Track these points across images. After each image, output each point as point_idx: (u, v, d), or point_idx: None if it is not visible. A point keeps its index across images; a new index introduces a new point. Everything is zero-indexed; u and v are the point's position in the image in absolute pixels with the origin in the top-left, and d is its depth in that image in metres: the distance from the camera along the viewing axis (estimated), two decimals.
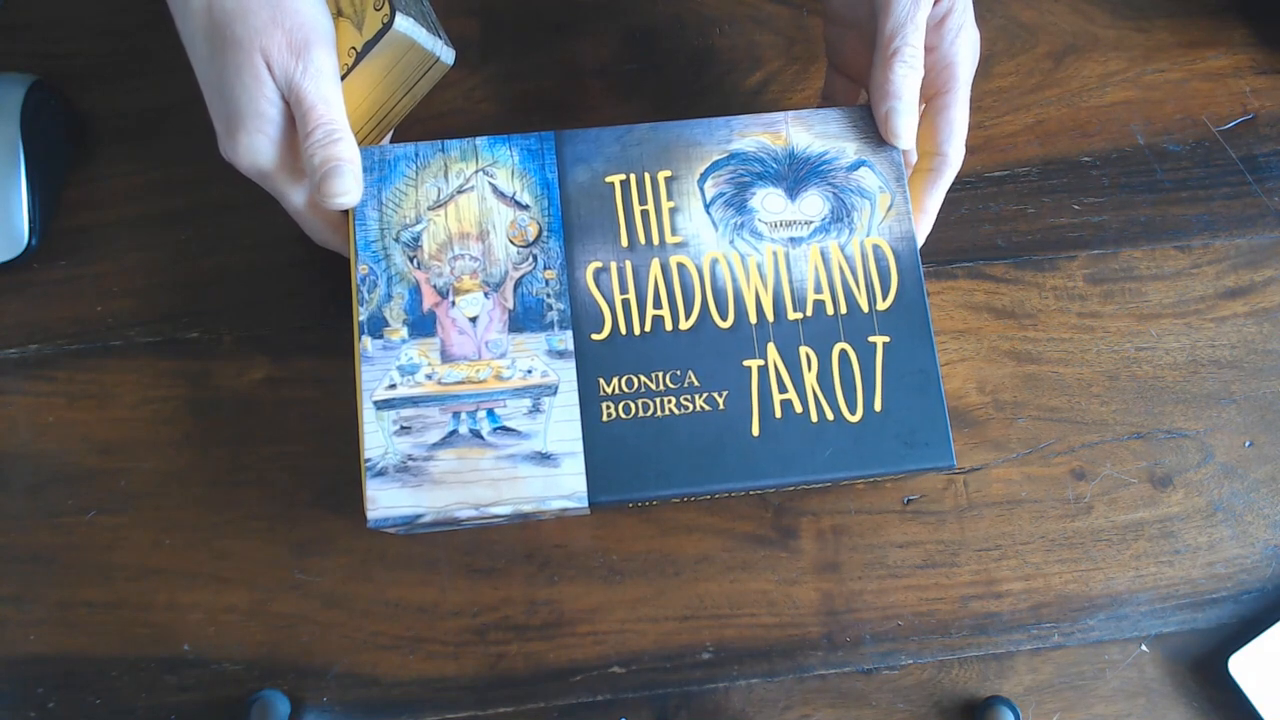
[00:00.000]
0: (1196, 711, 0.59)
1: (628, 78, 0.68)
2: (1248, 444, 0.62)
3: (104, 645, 0.58)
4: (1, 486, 0.59)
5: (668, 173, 0.54)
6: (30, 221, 0.61)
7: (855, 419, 0.51)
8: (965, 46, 0.53)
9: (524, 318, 0.52)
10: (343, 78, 0.53)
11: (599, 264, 0.52)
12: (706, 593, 0.59)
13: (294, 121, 0.51)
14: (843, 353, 0.51)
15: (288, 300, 0.63)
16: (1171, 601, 0.60)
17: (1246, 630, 0.59)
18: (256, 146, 0.51)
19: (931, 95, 0.54)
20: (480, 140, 0.54)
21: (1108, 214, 0.66)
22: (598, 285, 0.52)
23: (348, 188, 0.51)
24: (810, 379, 0.51)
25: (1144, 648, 0.59)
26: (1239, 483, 0.61)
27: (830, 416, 0.51)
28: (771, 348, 0.51)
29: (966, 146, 0.55)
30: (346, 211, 0.54)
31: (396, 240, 0.52)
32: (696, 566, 0.59)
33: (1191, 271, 0.65)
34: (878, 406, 0.51)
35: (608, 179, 0.54)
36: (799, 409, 0.51)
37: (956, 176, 0.56)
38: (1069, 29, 0.69)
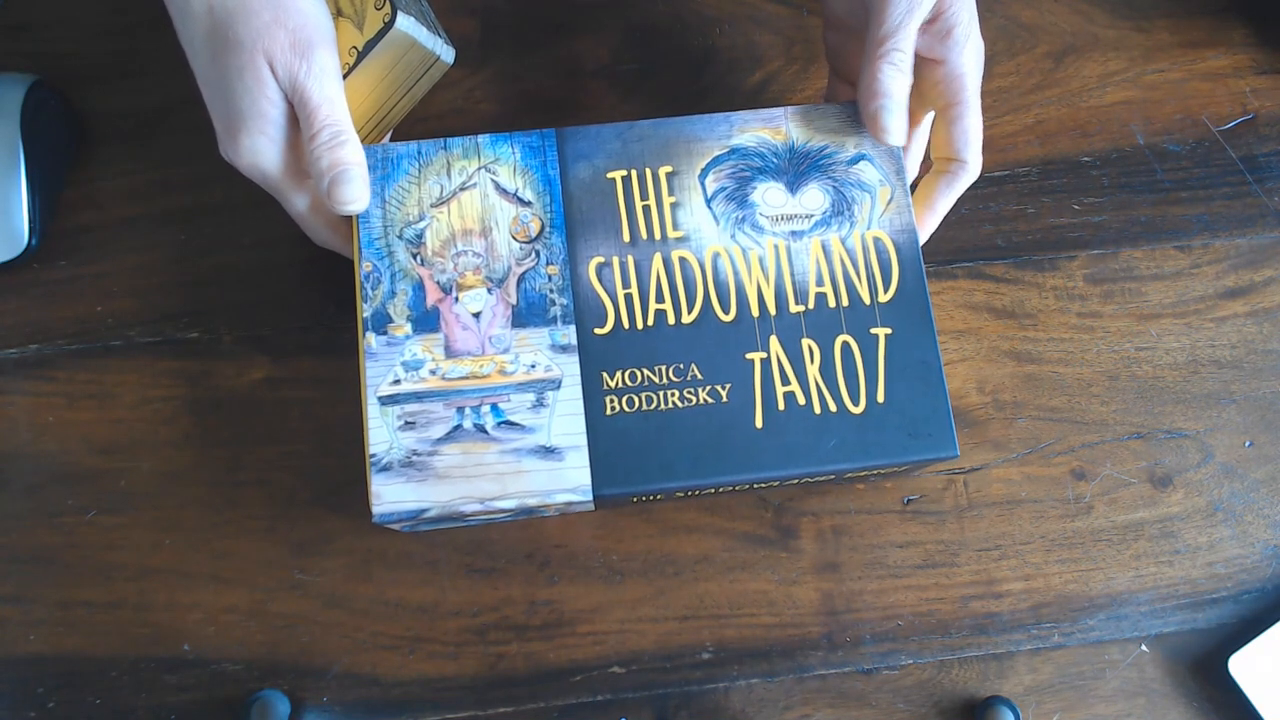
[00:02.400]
0: (1196, 711, 0.59)
1: (628, 78, 0.68)
2: (1248, 444, 0.62)
3: (104, 645, 0.58)
4: (1, 486, 0.59)
5: (668, 168, 0.54)
6: (30, 221, 0.61)
7: (858, 410, 0.51)
8: (972, 57, 0.54)
9: (527, 313, 0.52)
10: (344, 78, 0.53)
11: (601, 259, 0.53)
12: (706, 593, 0.59)
13: (296, 122, 0.51)
14: (845, 345, 0.52)
15: (288, 300, 0.63)
16: (1171, 601, 0.60)
17: (1246, 630, 0.59)
18: (258, 148, 0.51)
19: (943, 106, 0.55)
20: (482, 138, 0.54)
21: (1108, 214, 0.66)
22: (600, 280, 0.52)
23: (357, 194, 0.51)
24: (813, 371, 0.51)
25: (1144, 648, 0.59)
26: (1239, 483, 0.61)
27: (833, 408, 0.51)
28: (774, 340, 0.51)
29: None
30: None
31: (400, 237, 0.52)
32: (696, 566, 0.59)
33: (1191, 271, 0.65)
34: (880, 398, 0.51)
35: (609, 175, 0.54)
36: (802, 401, 0.51)
37: None
38: (1069, 29, 0.70)
